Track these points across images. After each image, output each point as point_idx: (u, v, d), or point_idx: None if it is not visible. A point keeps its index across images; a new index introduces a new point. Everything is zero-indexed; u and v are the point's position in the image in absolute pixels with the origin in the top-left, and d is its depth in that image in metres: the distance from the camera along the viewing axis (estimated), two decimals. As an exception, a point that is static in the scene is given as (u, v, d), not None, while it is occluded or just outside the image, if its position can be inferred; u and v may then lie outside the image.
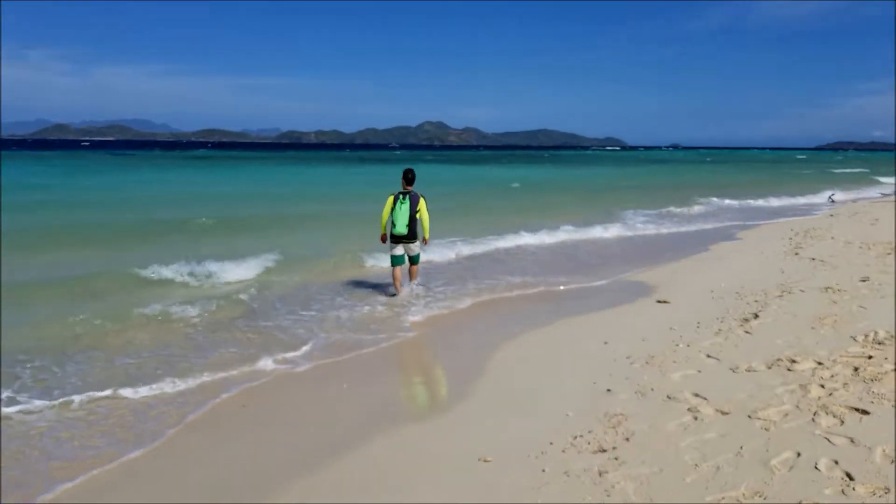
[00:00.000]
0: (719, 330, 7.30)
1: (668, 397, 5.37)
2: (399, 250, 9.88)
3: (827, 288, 8.97)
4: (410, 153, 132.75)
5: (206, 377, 6.42)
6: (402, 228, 9.67)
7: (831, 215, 20.05)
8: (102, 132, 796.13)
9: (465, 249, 13.58)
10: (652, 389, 5.59)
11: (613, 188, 34.96)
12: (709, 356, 6.39)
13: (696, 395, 5.38)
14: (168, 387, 6.15)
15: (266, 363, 6.83)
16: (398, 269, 9.91)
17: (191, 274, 10.86)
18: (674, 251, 14.15)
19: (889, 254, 11.37)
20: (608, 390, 5.66)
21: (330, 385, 6.34)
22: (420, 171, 10.70)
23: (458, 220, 17.30)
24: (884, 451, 4.13)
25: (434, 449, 4.84)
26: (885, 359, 5.80)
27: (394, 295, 9.84)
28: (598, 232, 16.63)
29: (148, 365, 6.76)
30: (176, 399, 5.94)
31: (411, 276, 10.16)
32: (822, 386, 5.28)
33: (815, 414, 4.75)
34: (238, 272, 11.05)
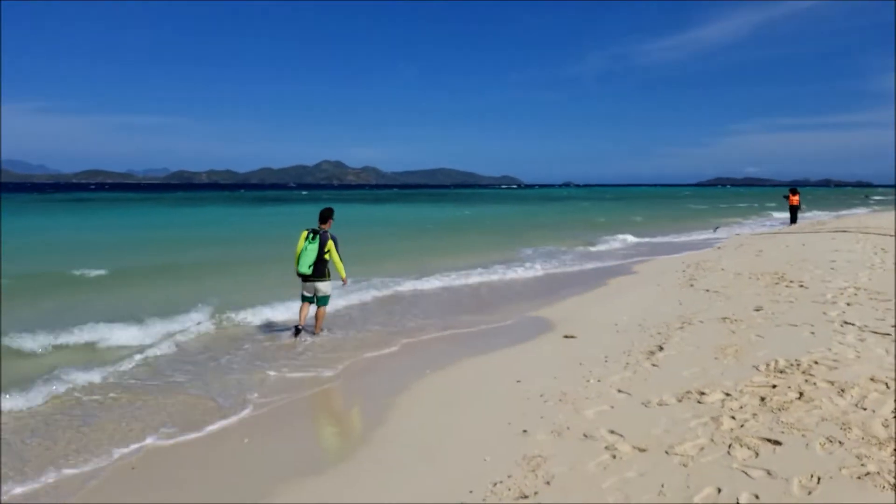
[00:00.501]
0: (627, 363, 7.31)
1: (585, 436, 5.25)
2: (307, 291, 9.64)
3: (724, 318, 9.24)
4: (309, 192, 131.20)
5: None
6: (304, 268, 9.45)
7: (719, 248, 21.04)
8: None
9: (373, 292, 13.17)
10: (568, 428, 5.45)
11: (518, 226, 35.27)
12: (620, 391, 6.34)
13: (612, 431, 5.28)
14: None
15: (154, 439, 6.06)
16: (305, 304, 9.70)
17: (63, 345, 9.00)
18: (574, 286, 14.35)
19: (776, 283, 11.92)
20: (524, 431, 5.48)
21: (229, 442, 5.85)
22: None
23: (364, 263, 16.98)
24: (800, 482, 4.13)
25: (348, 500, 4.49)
26: (789, 387, 5.92)
27: (297, 328, 9.53)
28: (501, 272, 16.59)
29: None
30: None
31: (317, 321, 9.75)
32: (733, 417, 5.30)
33: (729, 447, 4.74)
34: (128, 335, 9.46)
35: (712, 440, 4.89)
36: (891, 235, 20.61)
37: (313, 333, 9.66)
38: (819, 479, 4.13)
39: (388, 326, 10.47)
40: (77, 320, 9.85)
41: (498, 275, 16.19)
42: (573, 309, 11.46)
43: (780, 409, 5.38)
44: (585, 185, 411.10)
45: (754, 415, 5.31)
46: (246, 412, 6.53)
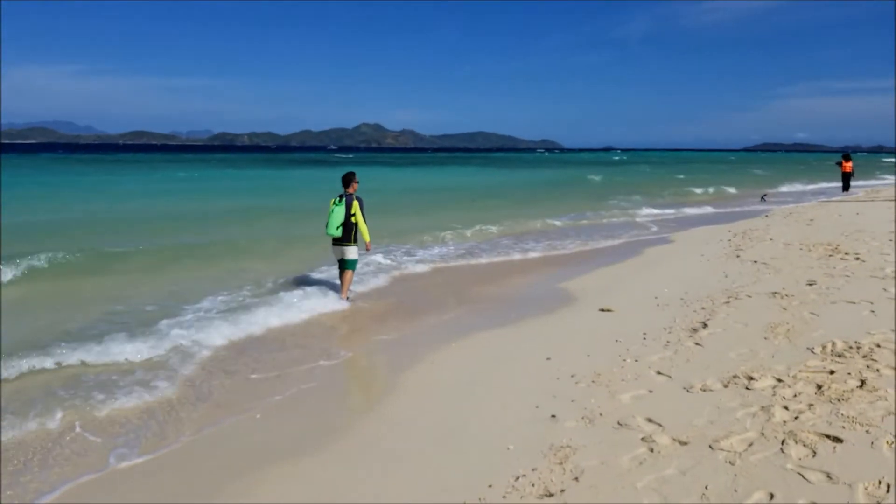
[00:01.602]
0: (668, 342, 6.78)
1: (619, 424, 4.78)
2: (336, 254, 9.70)
3: (774, 293, 8.60)
4: (347, 156, 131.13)
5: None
6: (332, 231, 9.44)
7: (766, 216, 20.11)
8: (23, 134, 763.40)
9: (388, 264, 12.67)
10: (601, 414, 4.98)
11: (553, 193, 34.19)
12: (659, 373, 5.84)
13: (650, 420, 4.80)
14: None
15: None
16: (342, 272, 9.74)
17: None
18: (608, 256, 13.77)
19: (831, 255, 11.18)
20: (553, 416, 5.03)
21: (244, 413, 5.55)
22: (370, 174, 10.14)
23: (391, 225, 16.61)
24: (866, 488, 3.61)
25: (350, 496, 4.11)
26: (849, 374, 5.35)
27: (345, 299, 9.61)
28: (530, 244, 15.91)
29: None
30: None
31: (343, 285, 9.72)
32: (786, 408, 4.77)
33: (783, 443, 4.22)
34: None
35: (763, 434, 4.38)
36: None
37: (340, 299, 9.58)
38: (889, 486, 3.60)
39: (408, 298, 10.09)
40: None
41: (526, 246, 15.53)
42: (611, 279, 10.92)
43: (839, 400, 4.83)
44: (627, 150, 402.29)
45: (810, 405, 4.77)
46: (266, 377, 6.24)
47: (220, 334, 7.71)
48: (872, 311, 7.32)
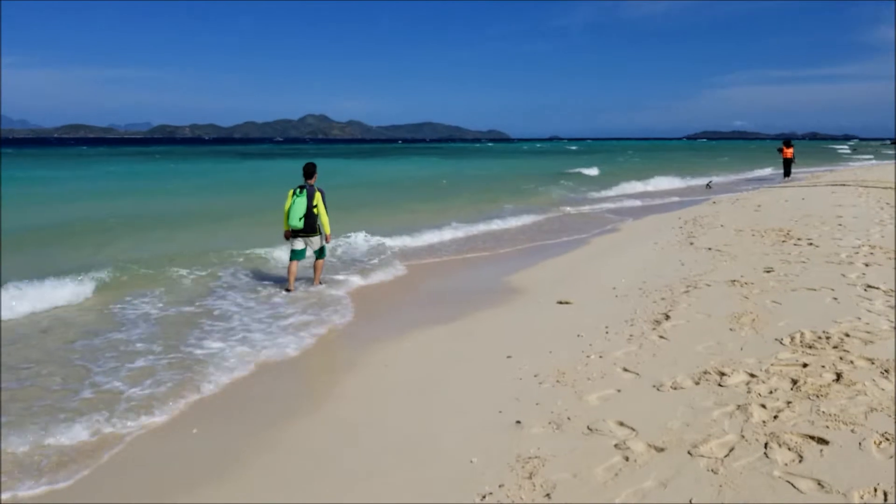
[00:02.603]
0: (631, 335, 6.48)
1: (589, 429, 4.42)
2: (299, 244, 9.54)
3: (733, 281, 8.42)
4: (293, 147, 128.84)
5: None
6: (295, 222, 9.34)
7: (714, 203, 20.21)
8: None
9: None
10: (568, 418, 4.62)
11: (498, 183, 33.79)
12: (626, 370, 5.52)
13: (621, 423, 4.46)
14: None
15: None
16: (293, 263, 9.55)
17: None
18: (555, 246, 13.50)
19: (783, 241, 11.12)
20: (517, 422, 4.65)
21: (181, 431, 5.00)
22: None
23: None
24: (862, 496, 3.33)
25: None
26: (823, 367, 5.11)
27: (288, 291, 9.34)
28: (473, 228, 15.62)
29: None
30: None
31: (315, 272, 9.80)
32: (764, 406, 4.49)
33: (766, 446, 3.92)
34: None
35: (743, 437, 4.08)
36: (892, 188, 19.87)
37: (312, 284, 9.68)
38: (886, 494, 3.33)
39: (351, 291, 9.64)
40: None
41: (470, 230, 15.22)
42: (560, 271, 10.61)
43: (817, 396, 4.57)
44: (573, 139, 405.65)
45: (788, 403, 4.50)
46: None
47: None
48: (835, 299, 7.16)
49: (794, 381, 4.87)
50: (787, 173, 30.94)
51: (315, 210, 9.39)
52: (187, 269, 10.44)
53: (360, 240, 13.11)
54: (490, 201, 21.59)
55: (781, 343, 5.81)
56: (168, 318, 8.03)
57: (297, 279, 9.58)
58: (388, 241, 13.15)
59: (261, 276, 10.33)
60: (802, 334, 5.95)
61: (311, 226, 9.39)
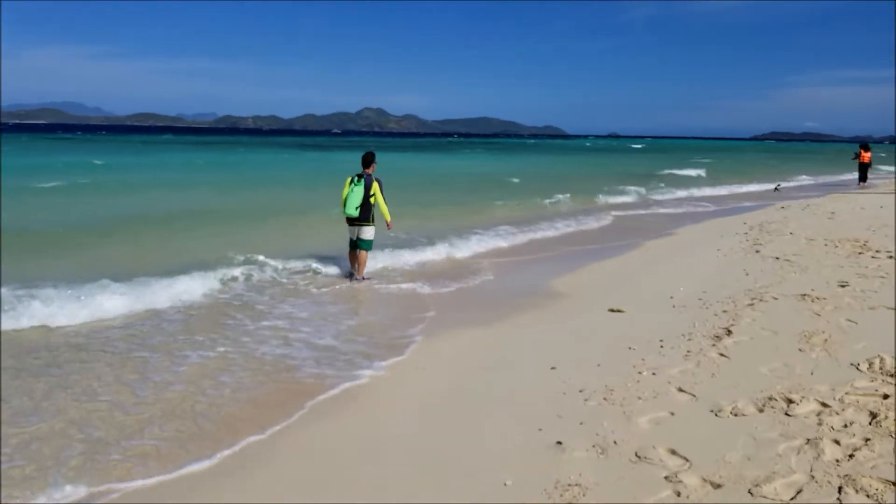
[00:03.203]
0: (688, 352, 6.00)
1: (638, 456, 4.01)
2: (353, 234, 9.59)
3: (804, 295, 7.80)
4: (351, 139, 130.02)
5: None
6: (350, 210, 9.37)
7: (782, 208, 19.24)
8: (32, 115, 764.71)
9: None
10: (615, 442, 4.21)
11: (551, 182, 32.87)
12: (681, 390, 5.07)
13: (674, 452, 4.04)
14: None
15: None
16: (353, 252, 9.64)
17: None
18: (605, 249, 12.87)
19: (860, 253, 10.35)
20: (558, 443, 4.27)
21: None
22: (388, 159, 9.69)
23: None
24: (956, 563, 2.85)
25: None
26: (906, 399, 4.57)
27: (351, 275, 9.60)
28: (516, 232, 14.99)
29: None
30: None
31: (359, 264, 9.65)
32: (837, 442, 4.00)
33: (839, 490, 3.45)
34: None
35: (813, 478, 3.61)
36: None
37: (356, 278, 9.58)
38: None
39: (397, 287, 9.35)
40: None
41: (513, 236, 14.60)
42: (612, 276, 10.09)
43: (900, 433, 4.06)
44: (632, 137, 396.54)
45: (867, 440, 3.99)
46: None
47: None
48: (919, 320, 6.53)
49: (873, 415, 4.34)
50: (862, 178, 29.38)
51: (372, 199, 9.44)
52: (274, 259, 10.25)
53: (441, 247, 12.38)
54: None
55: (858, 369, 5.26)
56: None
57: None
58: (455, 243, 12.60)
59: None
60: (882, 360, 5.37)
61: (365, 215, 9.42)
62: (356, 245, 9.56)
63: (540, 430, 4.50)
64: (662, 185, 28.46)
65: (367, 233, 9.51)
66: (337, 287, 9.19)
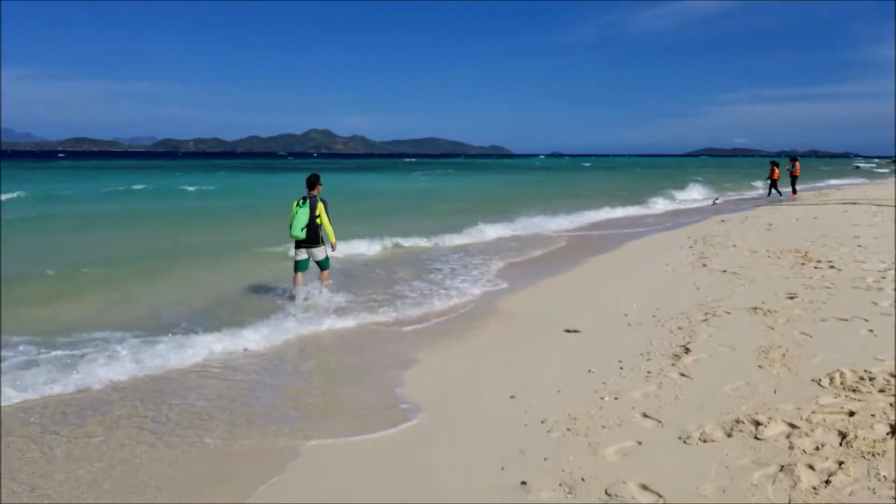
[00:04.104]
0: (649, 373, 5.83)
1: (608, 494, 3.77)
2: (301, 255, 9.63)
3: (755, 308, 7.77)
4: (299, 161, 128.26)
5: None
6: (296, 232, 9.39)
7: (722, 221, 19.56)
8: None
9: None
10: (583, 479, 3.97)
11: (491, 198, 33.03)
12: (646, 415, 4.87)
13: (645, 487, 3.82)
14: None
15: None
16: (299, 274, 9.68)
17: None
18: (549, 264, 12.83)
19: (803, 264, 10.48)
20: (523, 483, 3.99)
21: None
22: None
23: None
24: None
25: None
26: (872, 416, 4.46)
27: (293, 297, 9.45)
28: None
29: None
30: None
31: (322, 280, 9.80)
32: (811, 467, 3.84)
33: (822, 522, 3.29)
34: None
35: (792, 509, 3.44)
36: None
37: (319, 293, 9.53)
38: None
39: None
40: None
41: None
42: (563, 293, 9.97)
43: (873, 454, 3.92)
44: (577, 155, 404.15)
45: (840, 463, 3.85)
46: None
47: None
48: (871, 331, 6.51)
49: (843, 435, 4.21)
50: (792, 191, 30.26)
51: (318, 220, 9.49)
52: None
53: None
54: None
55: (820, 384, 5.16)
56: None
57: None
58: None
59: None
60: (843, 374, 5.29)
61: (313, 236, 9.49)
62: (301, 266, 9.66)
63: (502, 468, 4.23)
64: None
65: (320, 253, 9.69)
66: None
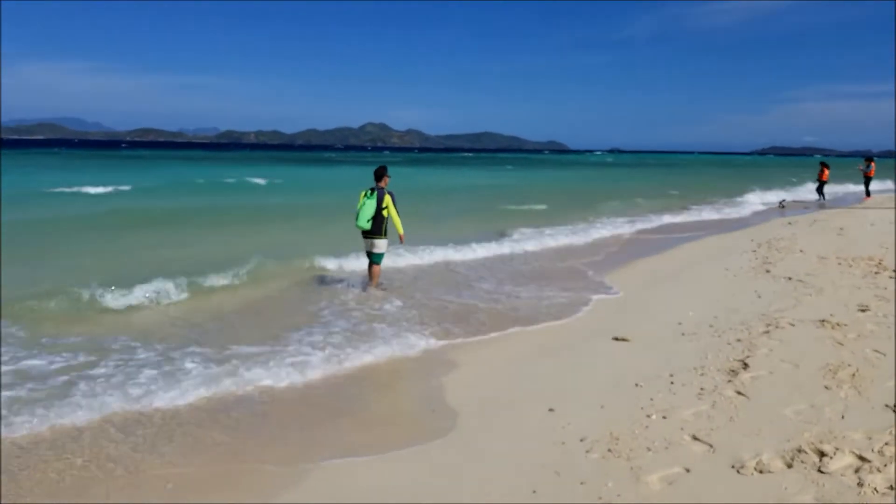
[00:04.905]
0: (702, 389, 5.40)
1: (649, 528, 3.42)
2: (367, 247, 9.66)
3: (822, 321, 7.22)
4: (353, 155, 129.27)
5: None
6: (362, 223, 9.41)
7: (789, 223, 18.66)
8: (32, 130, 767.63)
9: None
10: (622, 509, 3.62)
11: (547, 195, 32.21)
12: (696, 438, 4.47)
13: (692, 522, 3.44)
14: None
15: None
16: (376, 267, 9.71)
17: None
18: (604, 264, 12.32)
19: (877, 273, 9.77)
20: (556, 510, 3.68)
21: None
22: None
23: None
24: None
25: None
26: (957, 451, 3.98)
27: (365, 288, 9.62)
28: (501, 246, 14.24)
29: None
30: None
31: (372, 277, 9.73)
32: (884, 509, 3.41)
33: (895, 579, 2.86)
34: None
35: (860, 559, 3.02)
36: None
37: (369, 287, 9.64)
38: None
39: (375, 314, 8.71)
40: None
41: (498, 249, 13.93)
42: (620, 296, 9.51)
43: (957, 498, 3.46)
44: (633, 152, 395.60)
45: (918, 507, 3.41)
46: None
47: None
48: (954, 351, 5.93)
49: (922, 473, 3.75)
50: (867, 193, 28.79)
51: (384, 212, 9.49)
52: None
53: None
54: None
55: (894, 411, 4.66)
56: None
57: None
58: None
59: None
60: (921, 400, 4.79)
61: (377, 227, 9.47)
62: (375, 260, 9.69)
63: (534, 491, 3.91)
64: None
65: (380, 246, 9.60)
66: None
